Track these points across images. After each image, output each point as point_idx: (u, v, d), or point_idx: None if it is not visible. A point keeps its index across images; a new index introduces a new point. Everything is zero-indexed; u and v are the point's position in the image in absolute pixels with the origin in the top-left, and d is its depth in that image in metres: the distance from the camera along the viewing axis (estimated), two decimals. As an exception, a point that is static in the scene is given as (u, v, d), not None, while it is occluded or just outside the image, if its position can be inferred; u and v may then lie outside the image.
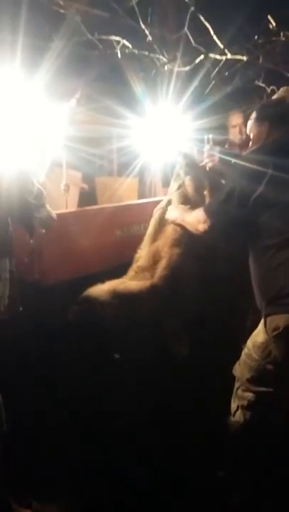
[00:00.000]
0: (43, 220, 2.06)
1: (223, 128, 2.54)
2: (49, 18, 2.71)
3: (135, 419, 2.32)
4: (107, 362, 2.55)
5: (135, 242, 2.69)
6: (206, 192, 2.36)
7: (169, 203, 2.39)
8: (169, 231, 2.38)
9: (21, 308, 2.02)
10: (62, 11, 2.75)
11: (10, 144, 1.85)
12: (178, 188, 2.37)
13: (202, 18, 3.04)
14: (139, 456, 2.24)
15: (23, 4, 2.44)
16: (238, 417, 1.96)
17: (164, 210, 2.38)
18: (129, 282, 2.43)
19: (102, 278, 2.83)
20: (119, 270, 2.80)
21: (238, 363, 1.98)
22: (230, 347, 2.31)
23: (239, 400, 1.94)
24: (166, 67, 3.12)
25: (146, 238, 2.49)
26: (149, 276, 2.38)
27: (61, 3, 2.73)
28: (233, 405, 1.99)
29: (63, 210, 2.57)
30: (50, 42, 2.66)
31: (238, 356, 1.99)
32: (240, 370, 1.95)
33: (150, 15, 3.06)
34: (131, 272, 2.47)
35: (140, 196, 3.16)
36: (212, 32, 3.09)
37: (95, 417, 2.37)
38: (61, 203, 2.58)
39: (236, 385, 1.97)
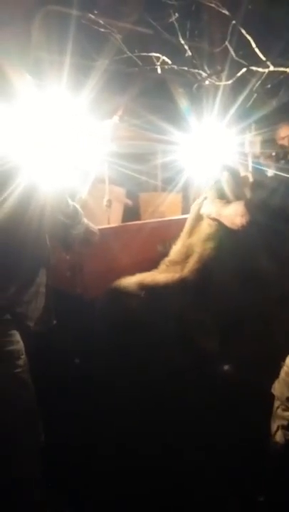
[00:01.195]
0: (80, 236, 2.07)
1: (270, 141, 2.49)
2: (89, 37, 2.74)
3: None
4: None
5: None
6: (246, 188, 2.30)
7: (206, 198, 2.35)
8: (204, 226, 2.34)
9: (55, 322, 2.03)
10: (102, 29, 2.78)
11: (50, 163, 1.87)
12: (215, 183, 2.33)
13: (243, 31, 3.01)
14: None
15: (63, 25, 2.49)
16: (278, 437, 1.89)
17: (201, 206, 2.34)
18: (158, 275, 2.39)
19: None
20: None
21: (277, 381, 1.91)
22: (269, 362, 2.24)
23: (279, 419, 1.88)
24: (207, 82, 3.09)
25: (182, 234, 2.45)
26: (179, 270, 2.34)
27: (101, 22, 2.76)
28: (273, 426, 1.92)
29: (105, 226, 2.58)
30: (91, 61, 2.69)
31: (276, 374, 1.92)
32: (280, 388, 1.88)
33: (189, 29, 3.06)
34: (162, 266, 2.45)
35: (184, 212, 3.13)
36: (254, 44, 3.05)
37: (134, 426, 2.33)
38: (104, 218, 2.58)
39: (276, 404, 1.91)
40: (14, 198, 1.70)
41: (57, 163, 1.89)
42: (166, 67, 3.03)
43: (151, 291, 2.30)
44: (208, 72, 3.09)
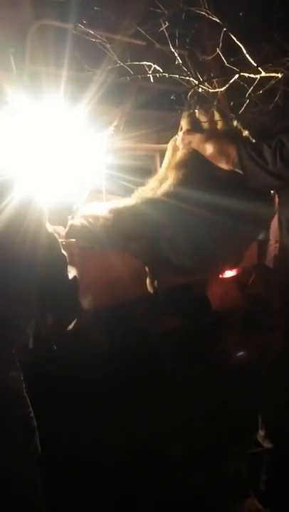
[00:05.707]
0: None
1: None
2: (81, 49, 2.74)
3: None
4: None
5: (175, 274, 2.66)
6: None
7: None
8: (179, 155, 2.35)
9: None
10: (93, 39, 2.77)
11: (51, 177, 1.86)
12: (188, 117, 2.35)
13: (234, 38, 3.02)
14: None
15: (55, 37, 2.49)
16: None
17: (176, 139, 2.37)
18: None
19: (140, 304, 2.82)
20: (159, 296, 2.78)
21: None
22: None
23: None
24: (200, 89, 3.09)
25: (160, 170, 2.43)
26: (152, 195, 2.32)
27: (91, 32, 2.76)
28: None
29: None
30: (84, 72, 2.69)
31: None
32: None
33: (179, 38, 3.06)
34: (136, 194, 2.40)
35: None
36: (244, 51, 3.06)
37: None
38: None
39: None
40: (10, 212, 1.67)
41: (54, 176, 1.88)
42: (157, 75, 3.03)
43: (119, 213, 2.26)
44: (201, 79, 3.09)
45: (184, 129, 2.39)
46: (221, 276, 3.11)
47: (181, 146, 2.34)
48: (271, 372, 2.50)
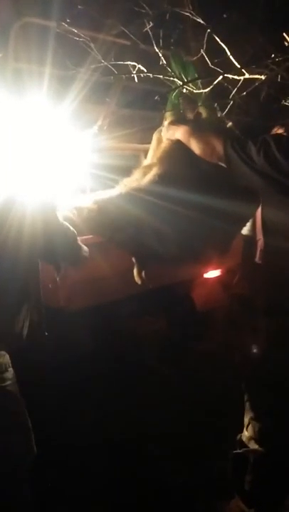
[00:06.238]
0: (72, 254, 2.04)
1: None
2: (65, 47, 2.73)
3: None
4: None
5: (160, 269, 2.66)
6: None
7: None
8: (163, 146, 2.36)
9: (46, 334, 2.00)
10: (77, 38, 2.76)
11: (37, 178, 1.85)
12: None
13: (218, 39, 3.03)
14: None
15: (39, 36, 2.47)
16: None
17: (160, 130, 2.38)
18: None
19: (125, 304, 2.81)
20: (143, 296, 2.78)
21: None
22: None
23: None
24: (184, 90, 3.09)
25: (145, 161, 2.46)
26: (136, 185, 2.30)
27: (75, 31, 2.74)
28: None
29: (85, 237, 2.55)
30: (68, 71, 2.67)
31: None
32: None
33: (163, 38, 3.06)
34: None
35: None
36: (228, 53, 3.07)
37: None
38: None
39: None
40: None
41: (38, 175, 1.87)
42: (142, 75, 3.03)
43: (103, 204, 2.25)
44: (185, 79, 3.10)
45: (169, 120, 2.39)
46: (205, 276, 3.13)
47: (165, 138, 2.34)
48: (255, 373, 2.51)
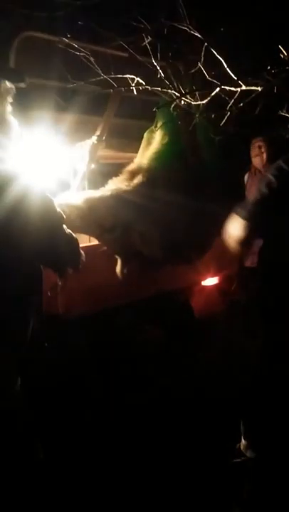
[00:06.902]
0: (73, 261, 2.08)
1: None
2: (65, 61, 2.78)
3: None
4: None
5: (159, 276, 2.69)
6: None
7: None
8: (152, 148, 2.42)
9: (46, 344, 2.03)
10: (77, 53, 2.82)
11: (38, 185, 1.88)
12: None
13: (215, 53, 3.09)
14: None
15: (39, 49, 2.52)
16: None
17: (152, 130, 2.44)
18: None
19: (124, 312, 2.84)
20: (142, 304, 2.81)
21: None
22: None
23: None
24: (182, 102, 3.15)
25: (134, 160, 2.52)
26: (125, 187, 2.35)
27: (76, 45, 2.80)
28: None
29: (85, 244, 2.59)
30: (68, 83, 2.73)
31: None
32: None
33: (161, 51, 3.12)
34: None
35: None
36: (225, 65, 3.13)
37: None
38: (84, 236, 2.59)
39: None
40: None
41: (41, 181, 1.90)
42: (140, 88, 3.08)
43: (93, 204, 2.32)
44: (183, 92, 3.15)
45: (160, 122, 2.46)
46: (203, 284, 3.15)
47: (155, 138, 2.42)
48: (253, 380, 2.53)
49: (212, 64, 3.13)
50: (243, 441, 2.41)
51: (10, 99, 1.84)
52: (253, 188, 2.99)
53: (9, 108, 1.85)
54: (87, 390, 2.56)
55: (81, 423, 2.43)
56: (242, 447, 2.41)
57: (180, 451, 2.46)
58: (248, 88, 3.34)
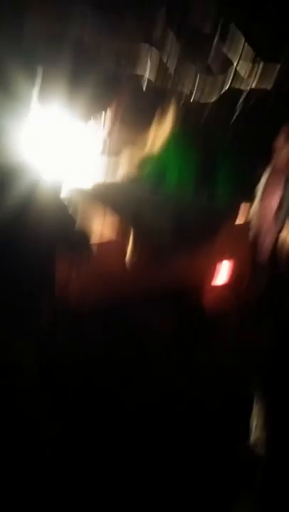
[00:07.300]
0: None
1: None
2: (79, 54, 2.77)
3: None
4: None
5: (170, 273, 2.66)
6: None
7: None
8: (164, 130, 2.37)
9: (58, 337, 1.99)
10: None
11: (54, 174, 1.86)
12: None
13: (225, 51, 3.12)
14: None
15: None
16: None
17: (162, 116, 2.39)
18: None
19: (136, 307, 2.79)
20: (154, 301, 2.76)
21: None
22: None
23: None
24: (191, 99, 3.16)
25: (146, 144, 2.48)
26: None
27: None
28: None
29: (97, 236, 2.55)
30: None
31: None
32: None
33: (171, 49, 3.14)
34: None
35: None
36: (235, 63, 3.16)
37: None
38: (96, 229, 2.55)
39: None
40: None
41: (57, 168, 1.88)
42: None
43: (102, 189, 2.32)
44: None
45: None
46: (214, 283, 3.10)
47: (168, 121, 2.41)
48: (264, 378, 2.50)
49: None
50: (252, 436, 2.38)
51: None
52: (273, 188, 2.89)
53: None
54: (97, 379, 2.51)
55: (91, 410, 2.38)
56: (252, 442, 2.38)
57: (186, 445, 2.42)
58: (258, 87, 3.37)
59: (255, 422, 2.45)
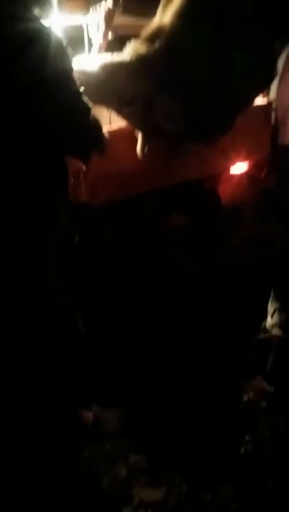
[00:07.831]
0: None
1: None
2: None
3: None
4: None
5: (184, 162, 2.58)
6: None
7: None
8: (176, 2, 2.15)
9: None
10: None
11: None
12: None
13: None
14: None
15: None
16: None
17: None
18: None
19: (150, 199, 2.77)
20: (168, 191, 2.72)
21: None
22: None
23: None
24: None
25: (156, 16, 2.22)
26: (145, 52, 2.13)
27: None
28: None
29: (108, 127, 2.47)
30: None
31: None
32: None
33: None
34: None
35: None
36: None
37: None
38: (104, 117, 2.46)
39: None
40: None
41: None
42: None
43: (108, 70, 2.13)
44: None
45: None
46: (232, 171, 3.02)
47: None
48: (281, 264, 2.52)
49: None
50: (269, 319, 2.48)
51: None
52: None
53: None
54: (111, 278, 2.59)
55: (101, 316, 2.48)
56: (268, 325, 2.48)
57: (204, 331, 2.53)
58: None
59: (274, 307, 2.52)
